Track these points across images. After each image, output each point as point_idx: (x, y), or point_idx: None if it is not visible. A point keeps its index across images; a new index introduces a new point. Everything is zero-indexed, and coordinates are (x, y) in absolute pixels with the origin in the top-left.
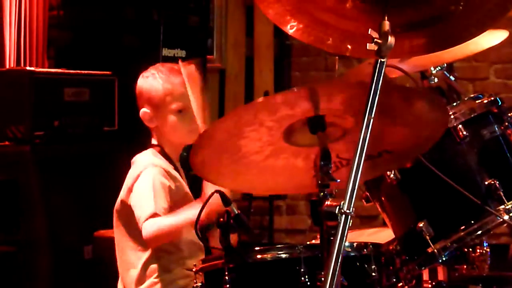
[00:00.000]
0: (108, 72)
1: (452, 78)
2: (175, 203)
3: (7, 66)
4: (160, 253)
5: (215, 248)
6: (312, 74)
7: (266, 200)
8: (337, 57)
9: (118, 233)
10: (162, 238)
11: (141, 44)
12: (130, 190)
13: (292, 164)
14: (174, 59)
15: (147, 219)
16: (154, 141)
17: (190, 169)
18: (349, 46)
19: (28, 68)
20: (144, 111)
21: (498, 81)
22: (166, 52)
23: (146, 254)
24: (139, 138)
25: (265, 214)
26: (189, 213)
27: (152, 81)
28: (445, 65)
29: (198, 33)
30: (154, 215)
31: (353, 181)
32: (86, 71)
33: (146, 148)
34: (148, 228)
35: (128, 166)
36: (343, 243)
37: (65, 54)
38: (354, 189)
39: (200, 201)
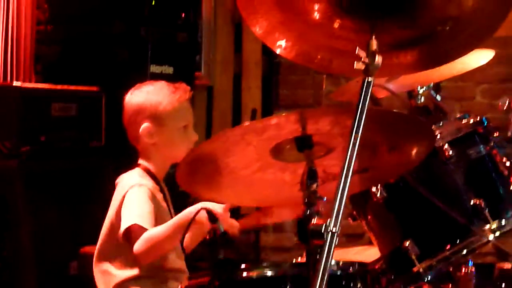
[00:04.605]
0: (95, 88)
1: (438, 97)
2: (156, 224)
3: None
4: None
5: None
6: (300, 92)
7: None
8: (324, 76)
9: (99, 256)
10: (154, 250)
11: (129, 60)
12: (117, 213)
13: (279, 178)
14: (162, 76)
15: (127, 228)
16: (141, 161)
17: (176, 186)
18: (336, 65)
19: (15, 83)
20: (145, 126)
21: (484, 101)
22: (154, 68)
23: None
24: (126, 154)
25: (251, 231)
26: (177, 222)
27: (157, 96)
28: (432, 84)
29: (186, 49)
30: (138, 226)
31: (339, 200)
32: (73, 87)
33: (132, 164)
34: (138, 242)
35: (114, 181)
36: (329, 262)
37: (52, 69)
38: (341, 208)
39: (187, 214)
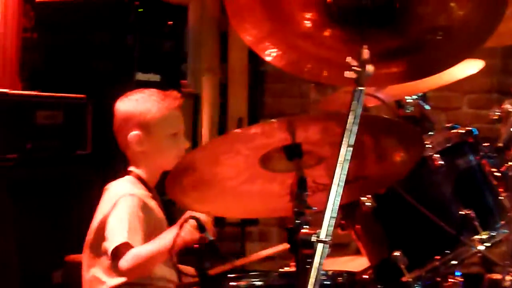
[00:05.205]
0: (82, 95)
1: (427, 107)
2: (150, 233)
3: None
4: (133, 284)
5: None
6: (286, 101)
7: (238, 226)
8: (312, 84)
9: (87, 263)
10: (140, 268)
11: (115, 67)
12: (105, 219)
13: (267, 189)
14: (148, 83)
15: (116, 247)
16: (132, 168)
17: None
18: (326, 73)
19: (0, 90)
20: (134, 134)
21: (471, 111)
22: (140, 76)
23: (119, 281)
24: (112, 163)
25: (237, 240)
26: (166, 239)
27: (146, 104)
28: (420, 94)
29: (173, 58)
30: (126, 244)
31: (332, 209)
32: (59, 94)
33: (119, 173)
34: (125, 258)
35: (100, 190)
36: (319, 271)
37: (38, 77)
38: (332, 217)
39: (175, 228)
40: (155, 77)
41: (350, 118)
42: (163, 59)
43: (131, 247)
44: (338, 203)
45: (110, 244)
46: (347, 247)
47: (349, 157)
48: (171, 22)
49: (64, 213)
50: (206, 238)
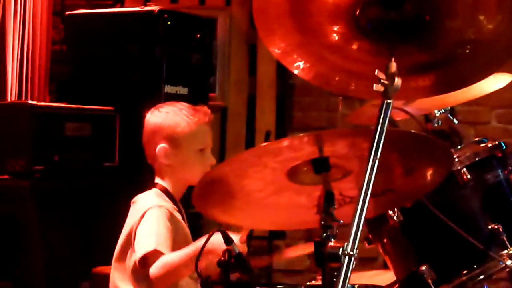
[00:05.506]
0: (110, 108)
1: (455, 121)
2: (177, 245)
3: (9, 100)
4: None
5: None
6: (314, 115)
7: (265, 239)
8: (340, 98)
9: (114, 274)
10: (169, 275)
11: (143, 80)
12: (134, 231)
13: (295, 201)
14: (176, 96)
15: (145, 254)
16: (158, 180)
17: (190, 207)
18: (353, 86)
19: (29, 101)
20: (162, 146)
21: (499, 125)
22: (168, 89)
23: None
24: (139, 175)
25: (263, 253)
26: (193, 249)
27: (176, 117)
28: (449, 108)
29: (201, 70)
30: (155, 251)
31: (357, 222)
32: (87, 106)
33: (146, 185)
34: (155, 265)
35: (127, 202)
36: (346, 284)
37: (66, 89)
38: (358, 231)
39: (203, 239)
40: (183, 90)
41: (377, 131)
42: (191, 72)
43: (161, 254)
44: (364, 216)
45: (139, 252)
46: (374, 261)
47: (375, 170)
48: (200, 35)
49: (91, 225)
50: (233, 251)
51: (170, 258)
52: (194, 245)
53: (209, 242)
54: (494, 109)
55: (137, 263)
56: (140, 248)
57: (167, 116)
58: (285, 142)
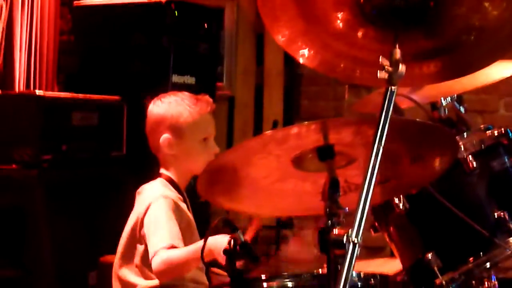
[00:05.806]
0: (117, 97)
1: (462, 109)
2: (182, 235)
3: (17, 90)
4: (163, 286)
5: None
6: (321, 103)
7: (273, 228)
8: (347, 86)
9: (119, 264)
10: (172, 271)
11: (150, 70)
12: (140, 221)
13: (300, 188)
14: (183, 86)
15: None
16: (163, 170)
17: (197, 196)
18: (358, 73)
19: (37, 92)
20: (166, 137)
21: (508, 114)
22: (176, 78)
23: (151, 283)
24: (147, 164)
25: (271, 243)
26: (198, 244)
27: (178, 107)
28: (455, 96)
29: (208, 60)
30: (172, 247)
31: (362, 210)
32: (95, 96)
33: (153, 174)
34: (158, 261)
35: (135, 191)
36: (351, 272)
37: (74, 79)
38: (363, 218)
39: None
40: (191, 80)
41: (381, 118)
42: (199, 62)
43: (175, 248)
44: (369, 203)
45: (156, 246)
46: (382, 250)
47: (379, 157)
48: (207, 25)
49: (99, 214)
50: (238, 239)
51: (173, 254)
52: (198, 243)
53: (212, 241)
54: (503, 97)
55: (151, 260)
56: (155, 245)
57: (169, 106)
58: (294, 129)
